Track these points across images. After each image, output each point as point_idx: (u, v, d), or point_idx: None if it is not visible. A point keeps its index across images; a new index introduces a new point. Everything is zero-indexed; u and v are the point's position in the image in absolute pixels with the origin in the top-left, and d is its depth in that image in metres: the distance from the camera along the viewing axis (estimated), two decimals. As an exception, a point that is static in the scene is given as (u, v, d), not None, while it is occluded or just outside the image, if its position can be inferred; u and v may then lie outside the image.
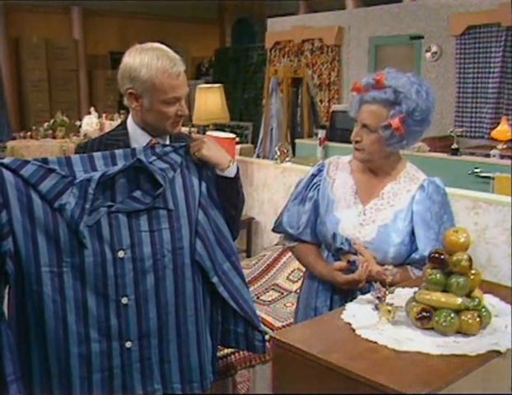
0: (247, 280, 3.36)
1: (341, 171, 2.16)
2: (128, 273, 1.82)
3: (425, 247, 1.94)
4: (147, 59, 1.91)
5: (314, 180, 2.19)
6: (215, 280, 1.95)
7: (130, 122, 2.05)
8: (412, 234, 2.00)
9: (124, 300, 1.82)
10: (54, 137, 9.19)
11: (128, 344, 1.84)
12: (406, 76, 1.99)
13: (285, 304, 3.21)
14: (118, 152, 1.85)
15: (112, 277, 1.80)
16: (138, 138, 2.02)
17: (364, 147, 2.01)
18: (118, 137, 2.04)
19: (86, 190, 1.76)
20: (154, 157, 1.87)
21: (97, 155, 1.84)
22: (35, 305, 1.77)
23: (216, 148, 1.97)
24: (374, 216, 2.03)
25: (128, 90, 1.96)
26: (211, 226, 1.95)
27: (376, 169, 2.09)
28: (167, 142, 2.04)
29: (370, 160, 2.05)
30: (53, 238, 1.75)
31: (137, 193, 1.84)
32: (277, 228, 2.28)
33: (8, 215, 1.73)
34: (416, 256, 1.97)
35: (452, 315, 1.45)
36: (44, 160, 1.78)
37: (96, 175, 1.77)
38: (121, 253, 1.81)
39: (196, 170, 1.94)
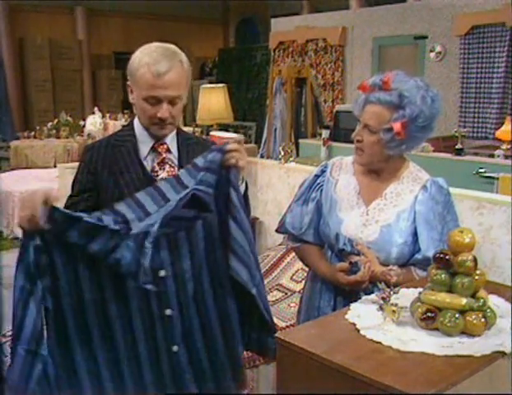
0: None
1: (344, 172, 2.15)
2: (170, 288, 1.82)
3: (427, 247, 1.93)
4: (141, 53, 1.92)
5: (317, 181, 2.19)
6: (254, 291, 1.90)
7: (136, 122, 2.04)
8: (415, 234, 1.99)
9: (168, 312, 1.83)
10: (58, 137, 9.22)
11: (175, 348, 1.85)
12: (414, 80, 1.97)
13: (289, 305, 3.21)
14: (164, 186, 1.80)
15: (154, 294, 1.80)
16: (144, 139, 2.01)
17: (364, 148, 2.01)
18: (125, 138, 2.03)
19: (142, 244, 1.72)
20: (196, 178, 1.82)
21: (142, 196, 1.78)
22: (79, 329, 1.77)
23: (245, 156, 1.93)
24: (377, 216, 2.03)
25: (127, 82, 1.98)
26: (245, 237, 1.90)
27: (378, 170, 2.09)
28: (174, 144, 2.03)
29: (370, 162, 2.05)
30: (94, 272, 1.74)
31: (179, 212, 1.80)
32: (281, 228, 2.28)
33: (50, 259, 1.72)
34: (418, 256, 1.97)
35: (457, 316, 1.44)
36: (99, 218, 1.71)
37: (154, 228, 1.73)
38: (162, 273, 1.80)
39: (227, 180, 1.87)
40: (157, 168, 1.99)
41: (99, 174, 1.96)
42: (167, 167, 2.00)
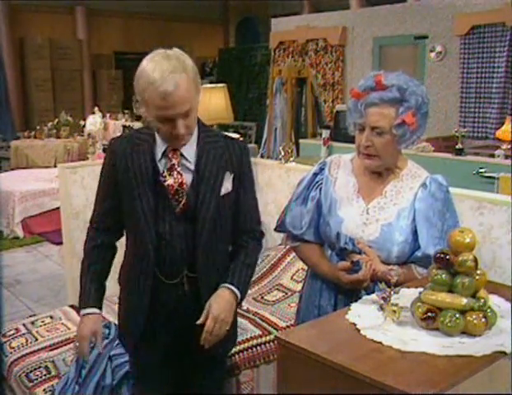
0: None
1: (342, 170, 2.15)
2: None
3: (427, 245, 1.93)
4: (148, 68, 1.84)
5: (316, 179, 2.18)
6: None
7: None
8: (416, 232, 1.98)
9: None
10: (58, 137, 9.23)
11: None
12: (399, 73, 2.00)
13: (289, 304, 3.21)
14: None
15: None
16: (160, 142, 1.98)
17: (377, 152, 1.99)
18: (145, 137, 2.00)
19: None
20: None
21: None
22: None
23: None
24: (378, 214, 2.03)
25: (136, 97, 1.92)
26: None
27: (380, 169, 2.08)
28: (192, 147, 1.98)
29: (383, 164, 2.03)
30: None
31: None
32: (280, 228, 2.27)
33: None
34: (418, 254, 1.97)
35: (457, 316, 1.44)
36: None
37: None
38: None
39: None
40: (166, 173, 1.97)
41: (117, 171, 1.99)
42: (175, 174, 1.97)
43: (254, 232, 2.17)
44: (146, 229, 1.97)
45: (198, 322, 1.97)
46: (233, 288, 2.03)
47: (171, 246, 1.99)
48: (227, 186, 2.03)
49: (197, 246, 1.99)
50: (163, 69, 1.82)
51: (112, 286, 2.19)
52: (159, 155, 1.97)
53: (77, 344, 2.02)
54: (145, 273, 2.01)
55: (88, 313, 2.02)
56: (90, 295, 2.04)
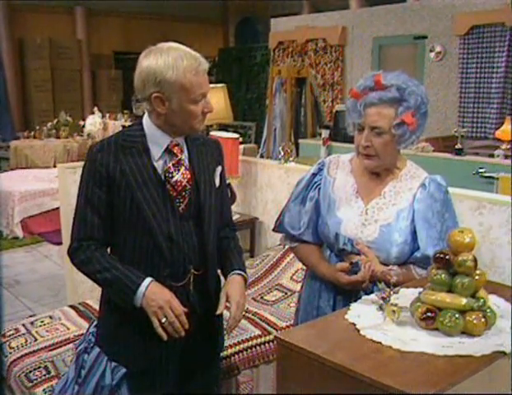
0: (250, 280, 3.36)
1: (341, 170, 2.14)
2: None
3: (426, 245, 1.93)
4: (171, 60, 1.84)
5: (315, 179, 2.17)
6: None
7: (147, 122, 1.96)
8: (415, 232, 1.98)
9: None
10: (58, 137, 9.24)
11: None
12: (399, 73, 2.00)
13: (288, 304, 3.21)
14: None
15: None
16: (157, 140, 1.94)
17: (376, 152, 1.99)
18: (134, 139, 1.94)
19: None
20: None
21: None
22: None
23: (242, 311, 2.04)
24: (377, 215, 2.02)
25: (154, 95, 1.86)
26: None
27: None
28: (184, 144, 1.99)
29: (382, 164, 2.03)
30: None
31: None
32: (278, 228, 2.27)
33: None
34: (417, 254, 1.97)
35: (457, 316, 1.44)
36: None
37: None
38: None
39: None
40: (172, 169, 1.93)
41: (111, 177, 1.89)
42: (182, 169, 1.95)
43: (233, 223, 2.26)
44: (158, 232, 1.90)
45: (218, 312, 1.98)
46: (242, 273, 2.08)
47: (179, 247, 1.94)
48: (217, 180, 2.08)
49: (207, 243, 1.99)
50: (191, 53, 1.89)
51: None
52: (157, 154, 1.94)
53: (166, 310, 1.85)
54: (157, 280, 1.91)
55: (149, 284, 1.87)
56: (134, 271, 1.90)
